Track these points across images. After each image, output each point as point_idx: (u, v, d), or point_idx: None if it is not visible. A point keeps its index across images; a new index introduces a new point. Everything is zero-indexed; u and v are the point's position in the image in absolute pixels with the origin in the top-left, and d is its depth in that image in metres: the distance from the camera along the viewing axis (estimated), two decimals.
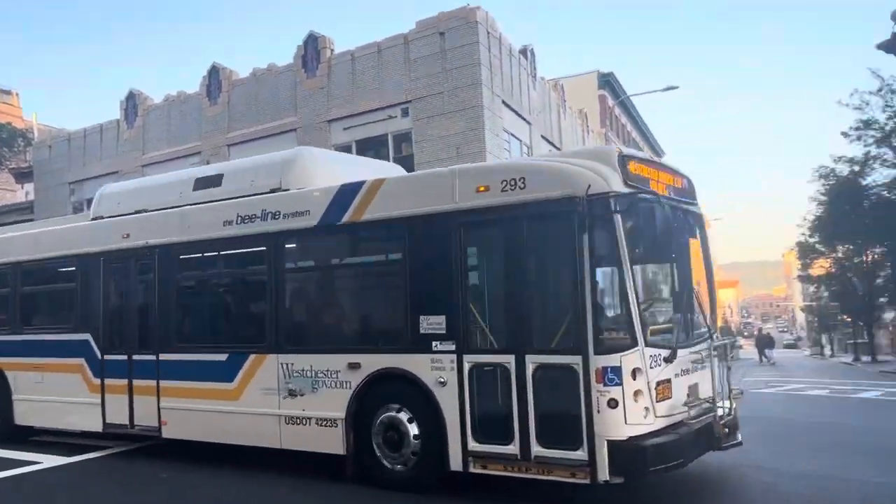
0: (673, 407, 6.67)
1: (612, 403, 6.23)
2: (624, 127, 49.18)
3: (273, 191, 8.94)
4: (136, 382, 9.67)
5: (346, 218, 7.99)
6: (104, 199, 10.93)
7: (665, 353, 6.58)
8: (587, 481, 6.32)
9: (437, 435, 7.16)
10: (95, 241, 10.33)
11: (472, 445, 6.95)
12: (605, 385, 6.26)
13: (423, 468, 7.30)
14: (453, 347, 7.09)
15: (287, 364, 8.29)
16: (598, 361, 6.29)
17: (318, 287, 8.81)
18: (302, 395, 8.16)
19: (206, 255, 9.49)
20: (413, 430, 7.36)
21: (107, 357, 9.96)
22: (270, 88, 24.28)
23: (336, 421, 7.83)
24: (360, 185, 8.03)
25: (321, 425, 7.99)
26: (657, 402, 6.50)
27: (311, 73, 23.32)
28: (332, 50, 23.33)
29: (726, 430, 6.91)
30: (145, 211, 10.13)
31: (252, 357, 8.61)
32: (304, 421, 8.14)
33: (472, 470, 6.94)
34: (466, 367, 7.02)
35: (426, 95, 21.03)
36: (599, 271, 6.41)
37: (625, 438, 6.23)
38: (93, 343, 10.10)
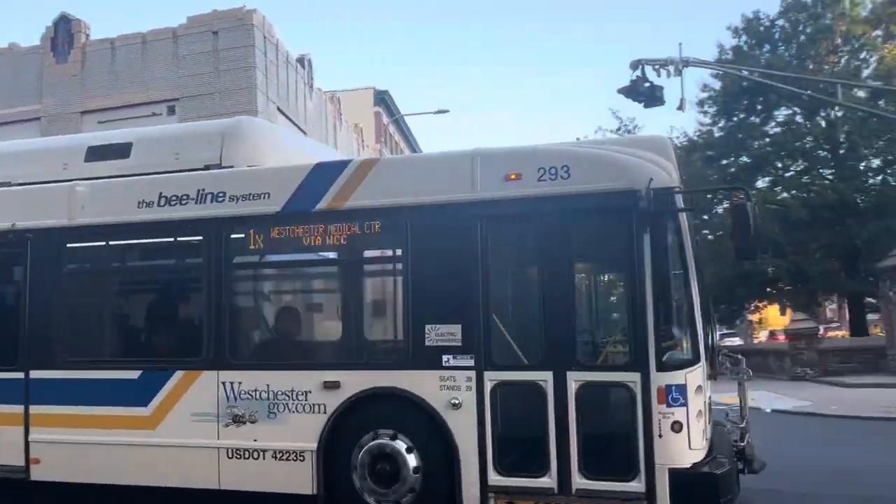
0: (706, 430, 6.09)
1: (677, 427, 5.50)
2: (398, 145, 49.94)
3: (208, 167, 7.18)
4: None
5: (323, 204, 6.52)
6: None
7: (705, 368, 5.99)
8: None
9: (446, 467, 5.97)
10: None
11: (494, 479, 5.86)
12: (668, 406, 5.51)
13: None
14: (471, 363, 5.96)
15: (231, 383, 6.59)
16: (662, 379, 5.52)
17: (279, 288, 7.22)
18: (253, 421, 6.50)
19: (109, 244, 7.46)
20: (412, 461, 6.08)
21: None
22: (11, 71, 21.93)
23: (303, 453, 6.31)
24: (343, 164, 6.65)
25: (281, 459, 6.41)
26: (707, 424, 5.89)
27: (62, 58, 21.68)
28: (87, 35, 21.90)
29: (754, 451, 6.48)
30: (8, 185, 7.77)
31: (179, 374, 6.76)
32: (254, 454, 6.50)
33: None
34: (488, 385, 5.92)
35: (196, 95, 20.49)
36: (662, 276, 5.65)
37: (688, 466, 5.51)
38: None
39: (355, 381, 6.23)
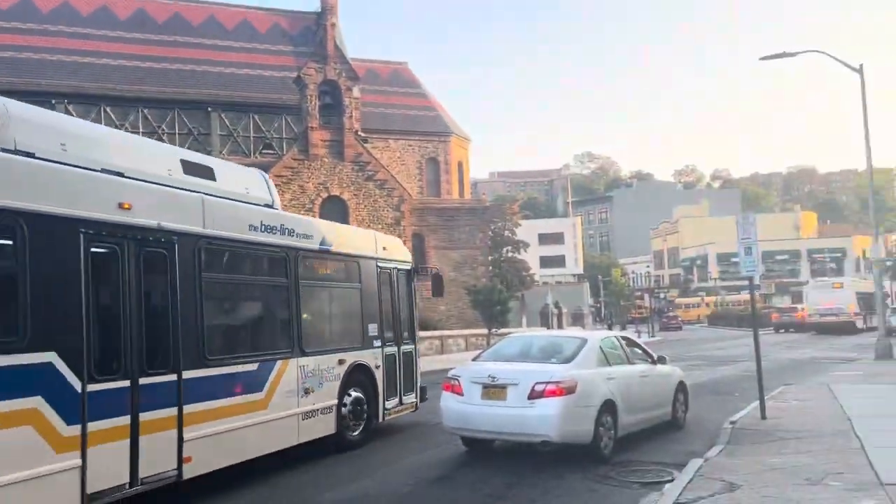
0: None
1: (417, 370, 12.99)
2: None
3: (267, 206, 9.84)
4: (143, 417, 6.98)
5: (333, 247, 10.56)
6: (21, 125, 6.69)
7: None
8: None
9: (375, 400, 11.30)
10: (65, 199, 6.50)
11: (385, 403, 11.63)
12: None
13: None
14: (381, 343, 11.59)
15: (303, 366, 9.65)
16: (411, 348, 12.88)
17: (318, 299, 10.51)
18: (313, 391, 9.82)
19: (230, 254, 8.72)
20: (365, 401, 11.06)
21: (91, 388, 6.44)
22: None
23: (331, 407, 10.25)
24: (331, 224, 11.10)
25: (324, 413, 10.02)
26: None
27: None
28: None
29: None
30: (124, 175, 7.43)
31: (279, 363, 9.17)
32: (313, 414, 9.79)
33: None
34: (385, 353, 11.78)
35: None
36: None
37: (422, 386, 13.03)
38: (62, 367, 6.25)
39: (349, 358, 10.56)
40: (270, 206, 9.87)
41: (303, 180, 33.37)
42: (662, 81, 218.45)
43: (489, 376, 9.13)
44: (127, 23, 42.05)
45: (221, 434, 7.90)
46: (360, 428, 10.73)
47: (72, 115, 37.79)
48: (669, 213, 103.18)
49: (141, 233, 7.16)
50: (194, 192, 8.21)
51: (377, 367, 11.28)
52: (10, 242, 5.91)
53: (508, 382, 8.95)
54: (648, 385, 10.60)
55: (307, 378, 9.55)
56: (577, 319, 55.55)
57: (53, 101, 37.57)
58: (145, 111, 39.14)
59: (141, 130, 38.99)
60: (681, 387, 11.79)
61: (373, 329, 11.32)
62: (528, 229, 62.63)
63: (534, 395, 8.78)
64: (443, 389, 9.73)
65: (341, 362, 10.36)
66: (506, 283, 46.64)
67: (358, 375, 10.74)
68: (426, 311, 38.87)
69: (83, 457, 6.25)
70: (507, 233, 49.48)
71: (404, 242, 37.13)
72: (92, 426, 6.36)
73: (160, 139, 39.24)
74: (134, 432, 6.79)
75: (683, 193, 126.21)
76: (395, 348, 11.94)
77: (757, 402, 12.44)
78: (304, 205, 33.29)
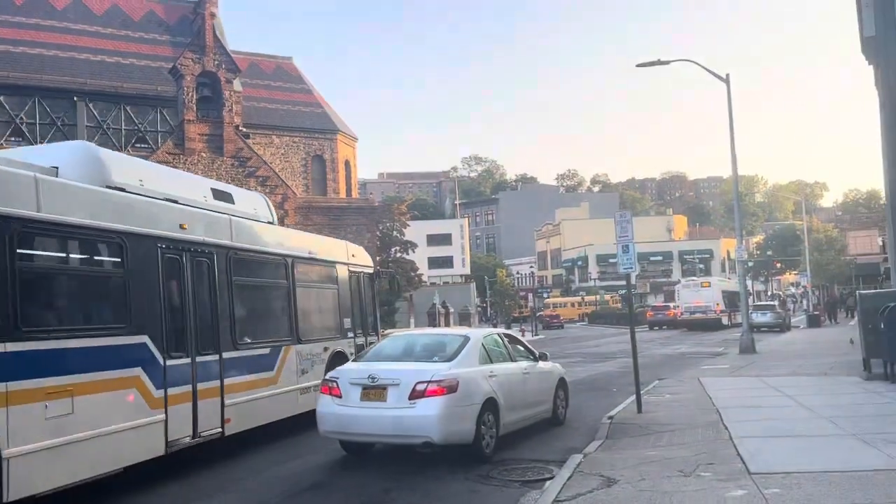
0: None
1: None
2: None
3: (269, 223, 12.47)
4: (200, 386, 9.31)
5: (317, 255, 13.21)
6: (115, 166, 9.02)
7: None
8: None
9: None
10: (148, 222, 8.77)
11: None
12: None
13: None
14: (353, 333, 13.96)
15: (301, 351, 11.96)
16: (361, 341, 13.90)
17: (309, 298, 12.87)
18: (307, 371, 12.08)
19: (251, 262, 11.08)
20: None
21: (169, 363, 8.76)
22: None
23: (318, 386, 10.99)
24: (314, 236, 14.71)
25: (315, 390, 11.32)
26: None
27: None
28: None
29: None
30: (177, 202, 9.70)
31: (284, 348, 11.51)
32: (308, 390, 11.86)
33: None
34: (357, 342, 14.06)
35: None
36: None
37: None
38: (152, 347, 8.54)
39: (331, 346, 12.89)
40: (271, 223, 12.50)
41: None
42: (546, 86, 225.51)
43: (369, 377, 8.75)
44: None
45: (248, 402, 10.23)
46: None
47: None
48: (552, 216, 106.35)
49: (193, 246, 9.45)
50: (222, 213, 10.54)
51: (350, 354, 13.17)
52: (118, 257, 8.16)
53: (389, 383, 8.61)
54: (530, 382, 10.57)
55: (303, 361, 11.88)
56: (465, 319, 56.05)
57: None
58: (1, 98, 36.01)
59: None
60: (561, 383, 11.87)
61: (347, 322, 13.69)
62: (416, 230, 62.62)
63: (415, 395, 8.48)
64: (319, 392, 9.28)
65: (325, 349, 12.69)
66: (394, 284, 46.55)
67: (337, 361, 12.33)
68: None
69: (166, 413, 8.47)
70: (395, 233, 49.22)
71: None
72: (171, 391, 8.60)
73: (18, 128, 36.27)
74: (194, 397, 9.03)
75: (565, 196, 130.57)
76: (364, 339, 14.27)
77: (633, 397, 12.76)
78: None
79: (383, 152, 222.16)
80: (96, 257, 8.14)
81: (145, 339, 8.26)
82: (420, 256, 59.44)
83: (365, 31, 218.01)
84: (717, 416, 11.34)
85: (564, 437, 10.91)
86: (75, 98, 37.43)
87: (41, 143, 36.65)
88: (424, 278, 58.76)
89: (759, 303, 55.82)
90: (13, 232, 6.69)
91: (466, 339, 9.70)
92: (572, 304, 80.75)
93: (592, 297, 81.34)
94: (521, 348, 11.15)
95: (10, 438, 6.35)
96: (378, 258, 45.52)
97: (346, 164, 47.58)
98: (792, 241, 73.24)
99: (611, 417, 11.88)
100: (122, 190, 8.61)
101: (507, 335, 11.15)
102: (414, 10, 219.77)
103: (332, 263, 13.38)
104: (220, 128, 32.38)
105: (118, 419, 7.70)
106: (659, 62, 23.05)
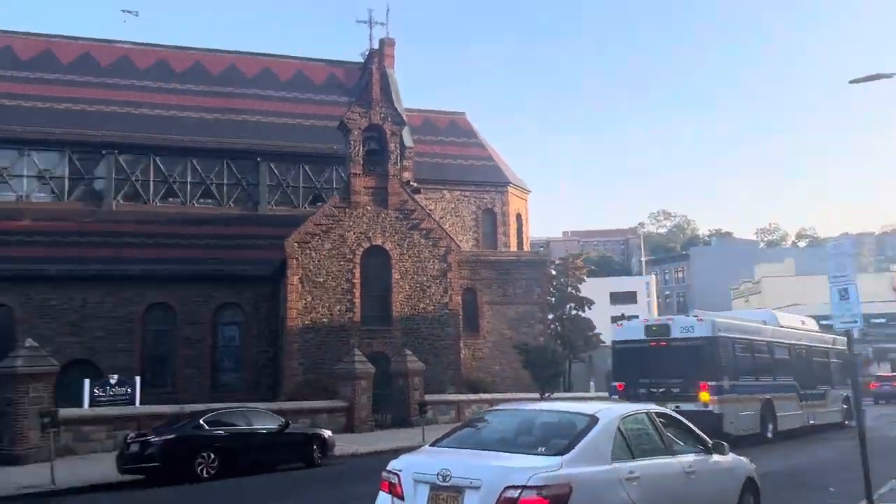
0: None
1: None
2: None
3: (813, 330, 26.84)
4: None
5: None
6: (783, 318, 25.09)
7: None
8: None
9: None
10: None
11: None
12: None
13: None
14: None
15: None
16: None
17: None
18: None
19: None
20: None
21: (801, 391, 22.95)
22: None
23: None
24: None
25: None
26: None
27: None
28: None
29: None
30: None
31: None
32: None
33: None
34: None
35: None
36: None
37: None
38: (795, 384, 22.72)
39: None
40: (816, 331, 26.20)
41: (343, 229, 31.46)
42: (733, 140, 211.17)
43: (440, 473, 6.12)
44: (183, 75, 42.16)
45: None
46: None
47: (122, 165, 37.63)
48: (751, 272, 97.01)
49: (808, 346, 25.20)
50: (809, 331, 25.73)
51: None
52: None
53: (466, 484, 5.91)
54: (698, 485, 7.45)
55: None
56: None
57: (104, 152, 37.52)
58: (194, 161, 38.56)
59: (189, 181, 38.43)
60: (749, 485, 8.52)
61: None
62: (598, 287, 59.01)
63: None
64: (380, 489, 6.85)
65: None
66: (567, 344, 43.14)
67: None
68: (478, 372, 35.91)
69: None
70: (570, 289, 46.25)
71: (453, 297, 34.58)
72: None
73: (208, 190, 38.52)
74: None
75: (766, 251, 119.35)
76: None
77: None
78: (345, 255, 31.28)
79: (567, 210, 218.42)
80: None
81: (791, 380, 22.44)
82: (602, 316, 55.69)
83: (546, 91, 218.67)
84: None
85: None
86: (258, 159, 39.26)
87: (228, 202, 38.66)
88: (603, 338, 54.81)
89: None
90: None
91: (594, 419, 6.72)
92: None
93: None
94: (685, 434, 8.09)
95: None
96: (551, 315, 42.80)
97: (518, 217, 45.83)
98: None
99: None
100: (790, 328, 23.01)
101: (661, 414, 7.92)
102: (591, 65, 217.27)
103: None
104: (386, 181, 31.91)
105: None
106: (878, 76, 18.84)
